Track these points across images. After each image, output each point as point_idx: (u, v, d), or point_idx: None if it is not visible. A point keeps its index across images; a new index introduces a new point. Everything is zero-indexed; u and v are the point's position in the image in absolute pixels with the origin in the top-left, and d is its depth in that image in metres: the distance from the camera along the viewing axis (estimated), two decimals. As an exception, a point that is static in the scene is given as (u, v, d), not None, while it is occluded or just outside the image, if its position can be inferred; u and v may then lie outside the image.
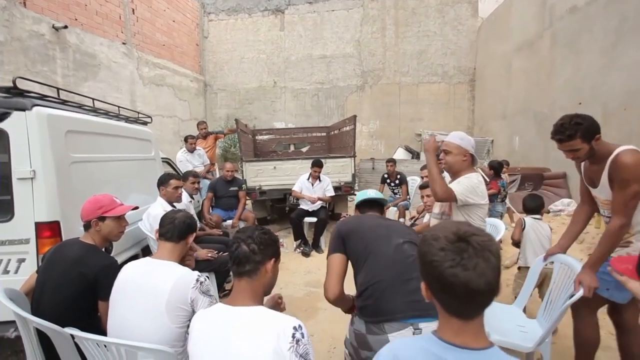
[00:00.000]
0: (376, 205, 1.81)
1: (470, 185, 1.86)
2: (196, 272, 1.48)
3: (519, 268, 2.72)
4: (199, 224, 3.58)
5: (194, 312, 1.42)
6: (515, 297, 2.51)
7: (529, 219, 2.66)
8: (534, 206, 2.70)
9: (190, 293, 1.40)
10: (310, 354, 1.03)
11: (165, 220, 1.64)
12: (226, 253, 3.18)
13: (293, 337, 1.01)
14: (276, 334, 1.00)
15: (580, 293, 1.68)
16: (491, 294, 0.71)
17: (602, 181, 1.67)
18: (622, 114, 4.62)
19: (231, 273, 3.17)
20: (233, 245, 1.16)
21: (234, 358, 1.00)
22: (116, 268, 1.64)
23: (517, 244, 2.73)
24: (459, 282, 0.69)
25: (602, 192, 1.71)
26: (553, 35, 6.25)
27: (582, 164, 1.83)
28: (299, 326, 1.04)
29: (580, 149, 1.64)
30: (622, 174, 1.56)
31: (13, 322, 1.71)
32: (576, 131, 1.61)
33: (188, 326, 1.43)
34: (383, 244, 1.46)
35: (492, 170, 4.27)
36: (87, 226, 1.71)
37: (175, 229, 1.60)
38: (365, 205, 1.79)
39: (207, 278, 1.49)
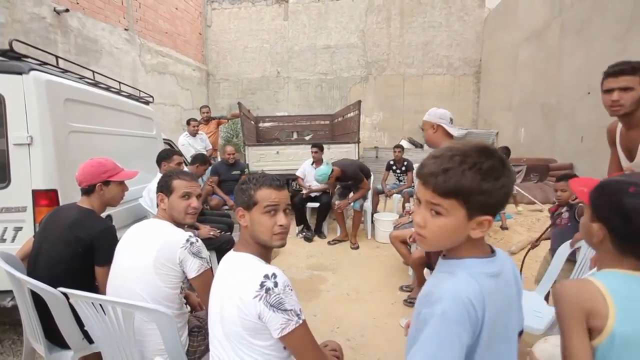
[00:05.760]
0: None
1: None
2: (188, 233, 1.41)
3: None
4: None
5: (184, 273, 1.36)
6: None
7: None
8: None
9: (178, 252, 1.33)
10: (286, 303, 0.95)
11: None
12: (228, 232, 3.16)
13: (261, 285, 0.95)
14: (245, 282, 0.97)
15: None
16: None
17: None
18: (633, 101, 4.52)
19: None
20: None
21: (221, 303, 1.01)
22: (113, 233, 1.59)
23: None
24: (499, 186, 0.69)
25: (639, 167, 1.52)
26: (562, 23, 6.13)
27: (618, 133, 1.65)
28: (272, 275, 0.97)
29: (634, 89, 1.47)
30: None
31: (10, 291, 1.68)
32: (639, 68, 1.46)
33: (181, 288, 1.38)
34: None
35: None
36: (87, 190, 1.65)
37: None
38: None
39: (198, 240, 1.40)
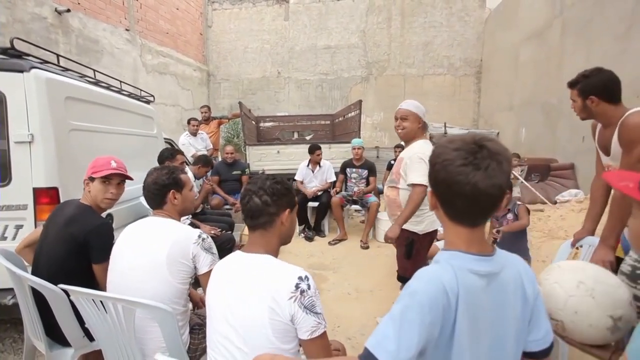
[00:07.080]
0: None
1: (418, 162, 2.01)
2: (198, 230, 1.43)
3: None
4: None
5: (195, 268, 1.37)
6: None
7: None
8: None
9: (191, 248, 1.35)
10: (317, 306, 0.97)
11: (143, 191, 1.56)
12: (229, 232, 3.16)
13: (297, 287, 0.95)
14: (279, 283, 0.96)
15: None
16: (497, 198, 0.71)
17: (614, 147, 1.56)
18: (635, 101, 4.50)
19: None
20: (245, 198, 1.08)
21: (239, 303, 0.98)
22: (108, 229, 1.57)
23: None
24: (467, 180, 0.68)
25: (616, 160, 1.59)
26: (563, 23, 6.12)
27: (597, 131, 1.72)
28: (305, 277, 0.98)
29: (575, 101, 1.62)
30: (627, 135, 1.45)
31: (11, 289, 1.67)
32: (577, 82, 1.59)
33: (190, 283, 1.39)
34: None
35: None
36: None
37: (150, 197, 1.53)
38: None
39: (208, 236, 1.43)
